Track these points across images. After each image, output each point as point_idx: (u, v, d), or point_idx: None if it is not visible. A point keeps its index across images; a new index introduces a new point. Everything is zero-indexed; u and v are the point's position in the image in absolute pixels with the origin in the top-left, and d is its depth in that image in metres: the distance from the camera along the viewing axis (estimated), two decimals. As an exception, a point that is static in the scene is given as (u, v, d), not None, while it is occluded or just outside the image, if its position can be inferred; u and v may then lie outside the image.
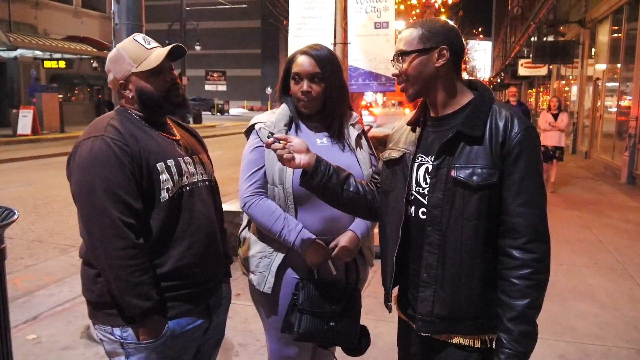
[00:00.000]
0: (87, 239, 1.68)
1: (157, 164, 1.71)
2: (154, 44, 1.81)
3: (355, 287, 2.13)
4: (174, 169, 1.75)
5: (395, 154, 1.69)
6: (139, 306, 1.63)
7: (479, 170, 1.49)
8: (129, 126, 1.74)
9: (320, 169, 1.73)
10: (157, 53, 1.76)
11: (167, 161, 1.74)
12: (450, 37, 1.55)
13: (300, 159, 1.71)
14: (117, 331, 1.71)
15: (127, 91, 1.78)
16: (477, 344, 1.56)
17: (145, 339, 1.69)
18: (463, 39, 1.62)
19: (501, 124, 1.51)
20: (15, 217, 2.09)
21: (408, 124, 1.71)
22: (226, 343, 3.42)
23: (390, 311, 1.76)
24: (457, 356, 1.58)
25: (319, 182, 1.74)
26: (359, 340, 2.12)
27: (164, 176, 1.72)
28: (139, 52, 1.76)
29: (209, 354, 2.00)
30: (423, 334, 1.61)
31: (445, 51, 1.54)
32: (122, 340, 1.71)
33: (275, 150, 1.70)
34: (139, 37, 1.81)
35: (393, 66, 1.62)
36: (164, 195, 1.71)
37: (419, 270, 1.59)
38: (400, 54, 1.58)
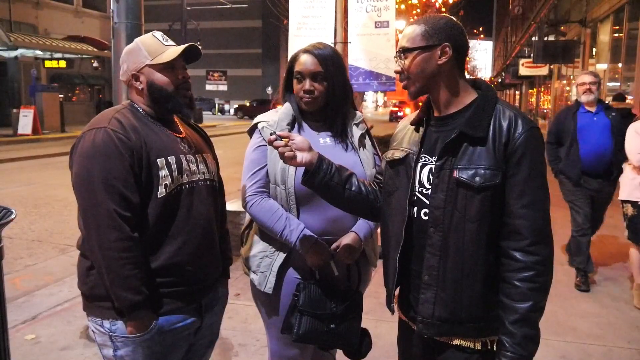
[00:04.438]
0: (83, 229, 1.70)
1: (157, 159, 1.72)
2: (170, 42, 1.86)
3: (357, 289, 2.12)
4: (174, 166, 1.76)
5: (398, 154, 1.68)
6: (128, 299, 1.64)
7: (482, 171, 1.47)
8: (134, 120, 1.76)
9: (322, 168, 1.72)
10: (173, 49, 1.82)
11: (168, 157, 1.75)
12: (453, 35, 1.53)
13: (302, 157, 1.70)
14: (106, 324, 1.73)
15: (138, 83, 1.82)
16: (478, 346, 1.55)
17: (133, 332, 1.71)
18: (466, 37, 1.60)
19: (505, 125, 1.49)
20: (13, 216, 2.08)
21: (411, 123, 1.70)
22: (226, 343, 3.41)
23: (392, 312, 1.74)
24: (457, 358, 1.57)
25: (321, 181, 1.73)
26: (360, 343, 2.10)
27: (163, 172, 1.73)
28: (155, 46, 1.81)
29: (201, 354, 2.00)
30: (424, 336, 1.60)
31: (447, 48, 1.52)
32: (110, 333, 1.73)
33: (277, 148, 1.69)
34: (158, 34, 1.87)
35: (396, 63, 1.61)
36: (161, 191, 1.72)
37: (421, 271, 1.57)
38: (403, 51, 1.57)
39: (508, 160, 1.47)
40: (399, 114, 35.24)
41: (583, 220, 4.63)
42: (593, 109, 4.52)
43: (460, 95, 1.57)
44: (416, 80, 1.56)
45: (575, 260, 4.73)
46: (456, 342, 1.56)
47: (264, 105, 38.40)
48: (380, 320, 3.54)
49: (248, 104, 41.10)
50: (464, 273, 1.51)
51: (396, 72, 1.62)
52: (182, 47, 1.81)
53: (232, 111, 43.95)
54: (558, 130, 4.72)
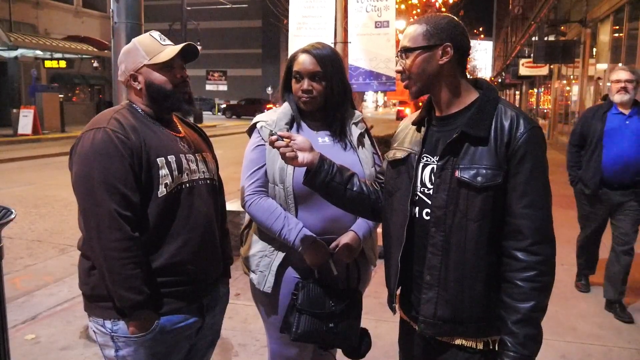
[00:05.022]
0: (83, 230, 1.70)
1: (157, 159, 1.72)
2: (168, 42, 1.86)
3: (356, 288, 2.12)
4: (174, 165, 1.76)
5: (400, 154, 1.68)
6: (130, 299, 1.64)
7: (484, 171, 1.47)
8: (133, 120, 1.76)
9: (323, 168, 1.72)
10: (171, 48, 1.81)
11: (168, 157, 1.75)
12: (455, 34, 1.53)
13: (304, 157, 1.70)
14: (108, 324, 1.73)
15: (137, 83, 1.82)
16: (480, 346, 1.55)
17: (134, 332, 1.70)
18: (468, 37, 1.59)
19: (506, 124, 1.49)
20: (13, 216, 2.07)
21: (413, 123, 1.69)
22: (225, 343, 3.40)
23: (394, 313, 1.74)
24: (459, 358, 1.57)
25: (322, 181, 1.73)
26: (360, 342, 2.10)
27: (163, 171, 1.73)
28: (153, 46, 1.81)
29: (202, 354, 2.00)
30: (426, 336, 1.59)
31: (449, 49, 1.51)
32: (112, 334, 1.73)
33: (278, 148, 1.69)
34: (156, 34, 1.87)
35: (397, 62, 1.61)
36: (162, 190, 1.72)
37: (423, 271, 1.57)
38: (404, 51, 1.56)
39: (510, 160, 1.47)
40: (406, 112, 36.79)
41: (590, 235, 4.32)
42: (627, 111, 3.90)
43: (462, 95, 1.57)
44: (417, 80, 1.56)
45: (577, 258, 4.55)
46: (458, 342, 1.56)
47: (253, 104, 38.39)
48: (380, 320, 3.54)
49: (236, 103, 40.72)
50: (466, 273, 1.50)
51: (397, 71, 1.62)
52: (180, 46, 1.81)
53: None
54: (583, 131, 4.10)
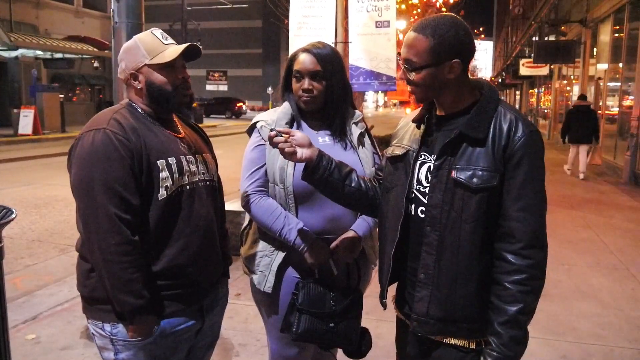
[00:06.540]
0: (83, 233, 1.68)
1: (157, 161, 1.70)
2: (170, 40, 1.82)
3: (357, 288, 2.12)
4: (174, 167, 1.74)
5: (398, 151, 1.68)
6: (130, 303, 1.62)
7: (480, 172, 1.47)
8: (133, 121, 1.73)
9: (322, 164, 1.73)
10: (173, 49, 1.78)
11: (169, 159, 1.73)
12: (462, 48, 1.49)
13: (302, 152, 1.70)
14: (107, 327, 1.71)
15: (137, 82, 1.78)
16: (473, 345, 1.55)
17: (135, 336, 1.68)
18: (474, 40, 1.55)
19: (505, 127, 1.48)
20: (13, 216, 2.07)
21: (413, 121, 1.70)
22: (226, 343, 3.40)
23: (385, 308, 1.75)
24: (453, 356, 1.57)
25: (321, 177, 1.73)
26: (360, 342, 2.10)
27: (164, 174, 1.71)
28: (155, 45, 1.77)
29: (201, 355, 1.99)
30: (418, 334, 1.60)
31: (456, 65, 1.49)
32: (111, 337, 1.71)
33: (277, 144, 1.69)
34: (158, 32, 1.83)
35: (401, 66, 1.56)
36: (162, 193, 1.70)
37: (416, 268, 1.58)
38: (410, 67, 1.51)
39: (506, 163, 1.47)
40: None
41: None
42: None
43: (464, 96, 1.57)
44: (424, 90, 1.54)
45: None
46: (450, 341, 1.56)
47: (223, 103, 38.08)
48: (381, 320, 3.53)
49: (206, 102, 39.65)
50: (459, 273, 1.51)
51: (401, 78, 1.60)
52: (182, 46, 1.78)
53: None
54: None
